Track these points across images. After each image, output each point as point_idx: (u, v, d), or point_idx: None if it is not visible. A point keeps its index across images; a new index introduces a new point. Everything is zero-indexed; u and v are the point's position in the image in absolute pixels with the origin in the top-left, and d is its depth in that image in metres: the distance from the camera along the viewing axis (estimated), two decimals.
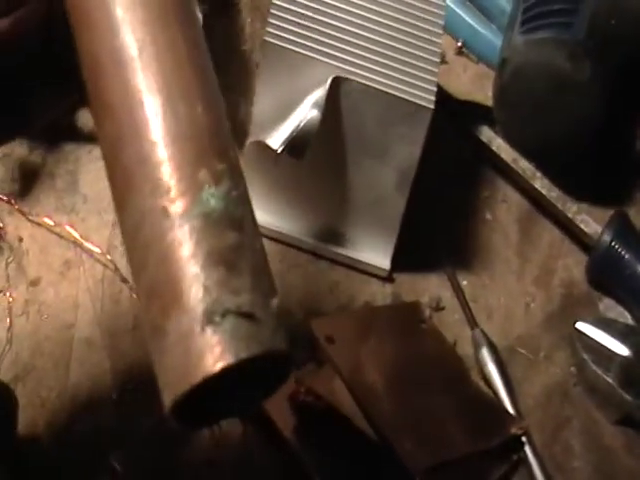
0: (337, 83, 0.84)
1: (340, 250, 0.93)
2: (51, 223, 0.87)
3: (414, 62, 0.86)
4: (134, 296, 0.85)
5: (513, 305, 0.95)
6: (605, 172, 1.02)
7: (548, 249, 1.00)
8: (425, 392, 0.85)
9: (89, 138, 0.92)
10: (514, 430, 0.86)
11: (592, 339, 0.91)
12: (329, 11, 0.86)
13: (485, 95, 1.05)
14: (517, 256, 0.99)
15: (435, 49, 0.88)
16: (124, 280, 0.85)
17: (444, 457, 0.80)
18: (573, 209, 0.98)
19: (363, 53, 0.85)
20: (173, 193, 0.44)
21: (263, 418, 0.78)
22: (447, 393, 0.86)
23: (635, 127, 1.07)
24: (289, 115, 0.85)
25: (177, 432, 0.79)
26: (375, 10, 0.88)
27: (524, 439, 0.86)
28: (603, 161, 1.01)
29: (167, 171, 0.44)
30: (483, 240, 0.99)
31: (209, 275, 0.43)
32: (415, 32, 0.88)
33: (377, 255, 0.93)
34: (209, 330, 0.42)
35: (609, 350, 0.90)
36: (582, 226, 0.98)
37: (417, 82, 0.85)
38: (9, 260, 0.85)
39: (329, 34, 0.85)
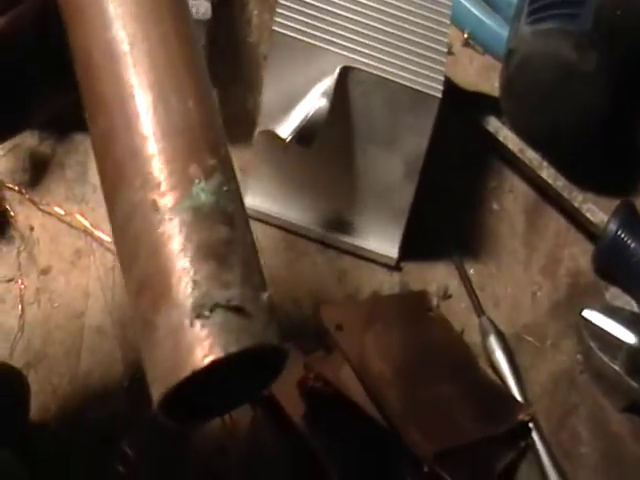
0: (345, 72, 0.84)
1: (348, 239, 0.93)
2: (62, 212, 0.87)
3: (422, 52, 0.87)
4: None
5: (520, 294, 0.96)
6: (611, 162, 1.03)
7: (554, 238, 1.00)
8: (433, 379, 0.86)
9: None
10: (521, 417, 0.86)
11: (599, 327, 0.91)
12: (337, 1, 0.87)
13: (492, 86, 1.06)
14: (524, 245, 0.99)
15: (442, 39, 0.88)
16: None
17: (452, 443, 0.80)
18: (579, 198, 0.99)
19: (371, 43, 0.86)
20: (163, 187, 0.44)
21: (272, 404, 0.78)
22: (455, 380, 0.87)
23: None
24: (297, 104, 0.85)
25: None
26: (383, 0, 0.88)
27: (531, 426, 0.86)
28: (609, 151, 1.02)
29: (158, 165, 0.44)
30: (490, 229, 0.99)
31: (199, 269, 0.43)
32: (422, 22, 0.88)
33: (385, 244, 0.93)
34: (198, 324, 0.42)
35: (616, 338, 0.90)
36: (588, 215, 0.98)
37: (425, 71, 0.86)
38: (20, 249, 0.86)
39: (337, 24, 0.86)
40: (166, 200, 0.43)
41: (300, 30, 0.84)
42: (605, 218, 0.97)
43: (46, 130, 0.92)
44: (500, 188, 1.02)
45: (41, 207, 0.88)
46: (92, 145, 0.47)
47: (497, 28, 1.09)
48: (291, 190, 0.92)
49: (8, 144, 0.90)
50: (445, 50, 0.88)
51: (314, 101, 0.84)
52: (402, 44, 0.87)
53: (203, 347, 0.42)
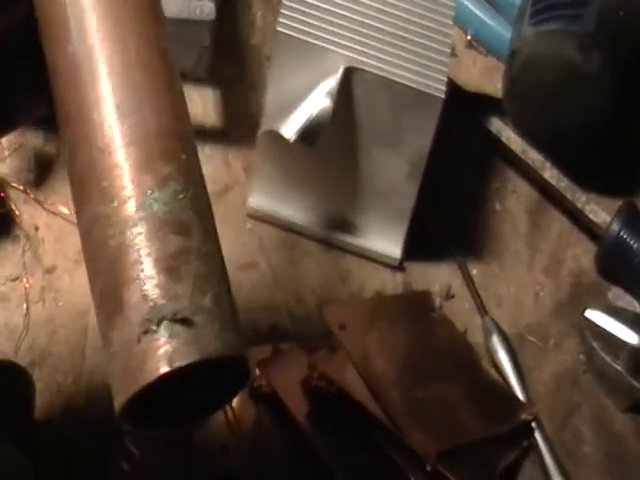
0: (349, 73, 0.84)
1: (352, 239, 0.94)
2: (66, 212, 0.88)
3: (425, 52, 0.87)
4: None
5: (523, 294, 0.96)
6: (614, 162, 1.03)
7: (557, 239, 1.01)
8: (436, 379, 0.86)
9: None
10: (524, 416, 0.86)
11: (601, 327, 0.91)
12: (341, 2, 0.87)
13: (495, 87, 1.06)
14: (527, 246, 0.99)
15: (445, 40, 0.89)
16: None
17: (454, 442, 0.80)
18: (582, 199, 0.99)
19: (374, 43, 0.86)
20: (118, 200, 0.44)
21: (276, 403, 0.79)
22: (458, 380, 0.87)
23: None
24: (301, 105, 0.85)
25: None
26: (386, 1, 0.88)
27: (534, 425, 0.87)
28: (612, 152, 1.02)
29: (113, 178, 0.44)
30: (493, 230, 1.00)
31: (149, 282, 0.43)
32: (426, 23, 0.89)
33: (388, 244, 0.93)
34: (146, 339, 0.42)
35: (618, 338, 0.91)
36: (591, 216, 0.98)
37: (428, 72, 0.86)
38: (25, 248, 0.86)
39: (341, 24, 0.86)
40: (120, 213, 0.44)
41: (304, 31, 0.85)
42: (608, 219, 0.97)
43: (51, 130, 0.93)
44: (503, 189, 1.03)
45: (46, 207, 0.89)
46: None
47: (500, 29, 1.09)
48: (295, 190, 0.92)
49: (13, 144, 0.91)
50: (448, 51, 0.89)
51: (318, 101, 0.85)
52: (405, 45, 0.87)
53: (150, 362, 0.42)
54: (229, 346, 0.44)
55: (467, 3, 1.10)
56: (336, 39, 0.85)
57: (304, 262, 0.93)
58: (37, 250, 0.87)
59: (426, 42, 0.88)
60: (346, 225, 0.94)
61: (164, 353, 0.42)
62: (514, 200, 1.02)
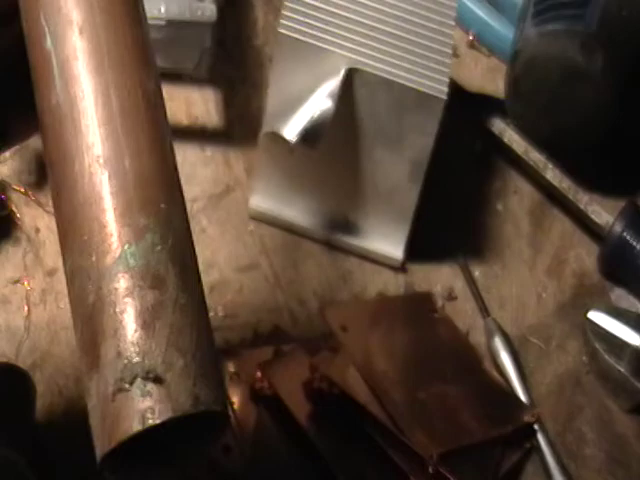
0: (351, 74, 0.84)
1: (353, 240, 0.94)
2: None
3: (427, 53, 0.87)
4: None
5: (525, 295, 0.96)
6: (617, 163, 1.03)
7: (560, 239, 1.00)
8: (438, 380, 0.86)
9: None
10: (527, 418, 0.86)
11: (604, 328, 0.91)
12: (342, 3, 0.87)
13: (497, 88, 1.06)
14: (529, 246, 0.99)
15: (447, 40, 0.88)
16: None
17: (456, 444, 0.80)
18: (584, 200, 0.99)
19: (376, 44, 0.86)
20: (96, 254, 0.44)
21: (278, 404, 0.79)
22: (460, 382, 0.87)
23: None
24: (303, 106, 0.85)
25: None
26: (388, 2, 0.88)
27: (537, 427, 0.86)
28: (615, 152, 1.02)
29: (91, 231, 0.44)
30: (495, 231, 1.00)
31: (123, 338, 0.43)
32: (428, 23, 0.89)
33: (390, 245, 0.93)
34: (120, 397, 0.43)
35: (621, 339, 0.90)
36: (593, 217, 0.98)
37: (430, 73, 0.86)
38: (26, 250, 0.86)
39: (343, 25, 0.86)
40: (98, 268, 0.44)
41: (305, 32, 0.85)
42: (610, 219, 0.97)
43: None
44: (505, 189, 1.02)
45: (47, 209, 0.88)
46: None
47: (502, 29, 1.09)
48: (296, 191, 0.92)
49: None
50: (450, 51, 0.88)
51: (319, 102, 0.84)
52: (407, 45, 0.87)
53: (124, 421, 0.42)
54: (203, 402, 0.44)
55: (469, 3, 1.10)
56: (338, 40, 0.85)
57: (306, 263, 0.92)
58: (38, 252, 0.86)
59: (428, 43, 0.88)
60: (348, 226, 0.94)
61: (136, 412, 0.42)
62: (516, 201, 1.02)
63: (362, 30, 0.86)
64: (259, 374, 0.80)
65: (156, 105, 0.47)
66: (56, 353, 0.82)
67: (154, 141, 0.46)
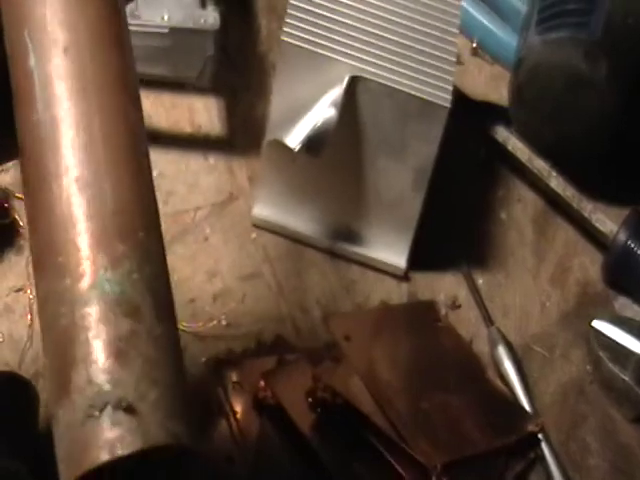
0: (354, 82, 0.84)
1: (357, 249, 0.93)
2: None
3: (430, 61, 0.87)
4: None
5: (529, 303, 0.96)
6: (620, 171, 1.02)
7: (563, 248, 1.00)
8: (441, 390, 0.86)
9: None
10: (531, 427, 0.86)
11: (608, 337, 0.91)
12: (346, 11, 0.87)
13: (500, 95, 1.06)
14: (533, 255, 0.99)
15: (451, 48, 0.88)
16: None
17: (460, 454, 0.80)
18: (588, 208, 0.99)
19: (380, 52, 0.86)
20: (70, 278, 0.43)
21: (281, 414, 0.78)
22: (463, 391, 0.87)
23: None
24: (306, 114, 0.85)
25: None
26: (391, 10, 0.88)
27: (541, 436, 0.86)
28: (618, 160, 1.01)
29: (67, 254, 0.43)
30: (499, 239, 0.99)
31: (95, 365, 0.42)
32: (431, 31, 0.89)
33: (393, 254, 0.93)
34: (89, 424, 0.42)
35: (625, 348, 0.90)
36: (597, 225, 0.98)
37: (433, 81, 0.85)
38: (29, 259, 0.86)
39: (346, 33, 0.86)
40: (72, 291, 0.43)
41: (309, 40, 0.85)
42: (614, 228, 0.97)
43: None
44: (509, 197, 1.02)
45: None
46: None
47: (506, 37, 1.09)
48: (299, 200, 0.92)
49: None
50: (454, 59, 0.88)
51: (323, 111, 0.84)
52: (411, 54, 0.87)
53: (92, 450, 0.42)
54: (173, 435, 0.43)
55: (473, 11, 1.10)
56: (341, 48, 0.85)
57: (309, 272, 0.92)
58: None
59: (431, 51, 0.88)
60: (351, 235, 0.93)
61: (105, 441, 0.41)
62: (520, 209, 1.02)
63: (365, 38, 0.86)
64: (262, 383, 0.79)
65: (137, 131, 0.47)
66: None
67: (134, 169, 0.46)
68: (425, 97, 0.85)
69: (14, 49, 0.46)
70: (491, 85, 1.09)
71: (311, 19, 0.86)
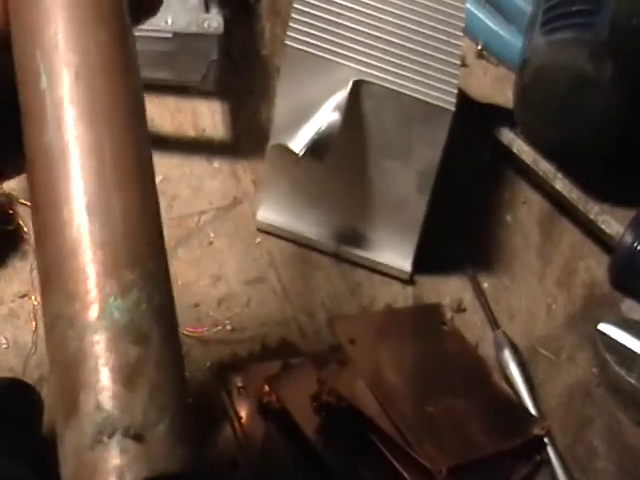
0: (358, 86, 0.84)
1: (361, 252, 0.93)
2: None
3: (434, 64, 0.86)
4: None
5: (535, 306, 0.95)
6: (627, 173, 1.02)
7: (569, 250, 1.00)
8: (447, 393, 0.86)
9: None
10: (536, 431, 0.86)
11: (615, 340, 0.91)
12: (349, 14, 0.87)
13: (506, 98, 1.06)
14: (538, 257, 0.99)
15: (455, 51, 0.88)
16: None
17: (466, 458, 0.80)
18: (595, 210, 0.98)
19: (384, 56, 0.86)
20: (80, 304, 0.43)
21: (285, 418, 0.78)
22: (469, 394, 0.87)
23: None
24: (310, 118, 0.85)
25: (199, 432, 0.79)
26: (395, 13, 0.88)
27: (547, 440, 0.86)
28: (625, 161, 1.01)
29: (77, 280, 0.43)
30: (504, 242, 0.99)
31: (104, 391, 0.42)
32: (435, 34, 0.88)
33: (398, 257, 0.93)
34: (98, 449, 0.42)
35: (632, 351, 0.90)
36: (604, 227, 0.98)
37: (437, 84, 0.85)
38: (33, 265, 0.86)
39: (350, 37, 0.86)
40: (82, 317, 0.43)
41: (312, 44, 0.85)
42: (621, 230, 0.96)
43: None
44: (514, 200, 1.02)
45: None
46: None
47: (511, 39, 1.09)
48: (304, 203, 0.92)
49: None
50: (458, 62, 0.88)
51: (327, 115, 0.84)
52: (415, 56, 0.87)
53: (100, 475, 0.42)
54: (182, 462, 0.43)
55: (477, 13, 1.10)
56: (345, 52, 0.85)
57: (314, 276, 0.92)
58: None
59: (436, 54, 0.88)
60: (356, 238, 0.93)
61: (114, 468, 0.41)
62: (525, 211, 1.02)
63: (369, 41, 0.86)
64: (267, 388, 0.79)
65: (146, 158, 0.47)
66: None
67: (144, 197, 0.46)
68: (429, 100, 0.84)
69: (25, 69, 0.46)
70: (496, 87, 1.09)
71: (315, 23, 0.86)
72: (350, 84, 0.84)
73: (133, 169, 0.46)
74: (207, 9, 0.94)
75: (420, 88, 0.85)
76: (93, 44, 0.46)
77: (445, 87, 0.85)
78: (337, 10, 0.87)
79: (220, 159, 0.96)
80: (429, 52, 0.87)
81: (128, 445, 0.42)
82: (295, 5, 0.86)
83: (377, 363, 0.83)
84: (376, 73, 0.85)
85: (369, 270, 0.93)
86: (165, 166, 0.94)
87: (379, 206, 0.91)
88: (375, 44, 0.86)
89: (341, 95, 0.84)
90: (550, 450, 0.86)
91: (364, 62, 0.85)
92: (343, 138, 0.84)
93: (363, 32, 0.86)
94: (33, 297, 0.84)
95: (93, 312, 0.43)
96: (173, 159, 0.95)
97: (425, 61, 0.87)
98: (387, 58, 0.86)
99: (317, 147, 0.84)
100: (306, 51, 0.84)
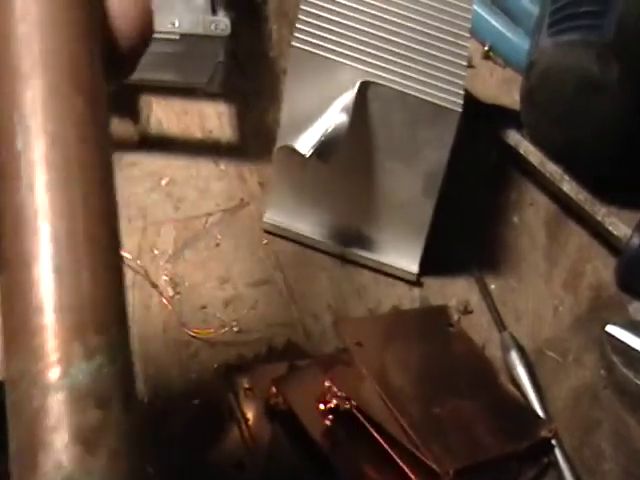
0: (365, 87, 0.84)
1: (368, 254, 0.93)
2: None
3: (441, 65, 0.86)
4: (164, 301, 0.86)
5: (542, 308, 0.95)
6: (633, 174, 1.02)
7: (576, 252, 1.00)
8: (454, 395, 0.85)
9: (116, 145, 0.93)
10: (544, 433, 0.85)
11: (622, 342, 0.90)
12: (356, 16, 0.87)
13: (512, 99, 1.06)
14: (545, 259, 0.99)
15: (462, 52, 0.88)
16: (154, 286, 0.86)
17: (472, 460, 0.79)
18: (602, 212, 0.98)
19: (390, 57, 0.85)
20: (44, 364, 0.43)
21: (292, 420, 0.78)
22: (476, 396, 0.86)
23: None
24: (317, 119, 0.85)
25: (206, 434, 0.80)
26: (402, 14, 0.88)
27: (554, 442, 0.86)
28: (632, 163, 1.01)
29: (43, 340, 0.44)
30: (511, 243, 0.99)
31: (65, 451, 0.42)
32: (442, 35, 0.88)
33: (405, 259, 0.93)
34: None
35: (639, 353, 0.90)
36: (611, 229, 0.97)
37: (444, 85, 0.85)
38: None
39: (356, 38, 0.86)
40: (45, 377, 0.43)
41: (319, 45, 0.85)
42: (628, 231, 0.96)
43: None
44: (521, 201, 1.02)
45: None
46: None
47: (518, 40, 1.09)
48: (311, 205, 0.92)
49: None
50: (465, 63, 0.88)
51: (333, 116, 0.84)
52: (421, 58, 0.87)
53: None
54: None
55: (484, 14, 1.10)
56: (352, 53, 0.85)
57: (320, 277, 0.92)
58: None
59: (442, 55, 0.88)
60: (362, 240, 0.93)
61: None
62: (532, 213, 1.01)
63: (376, 43, 0.86)
64: (273, 389, 0.79)
65: (114, 226, 0.47)
66: None
67: (111, 264, 0.47)
68: (436, 102, 0.84)
69: (1, 127, 0.47)
70: (503, 88, 1.09)
71: (322, 24, 0.86)
72: (357, 85, 0.84)
73: (104, 237, 0.46)
74: (214, 11, 0.94)
75: (427, 89, 0.85)
76: (72, 113, 0.46)
77: (452, 88, 0.85)
78: (344, 11, 0.87)
79: (227, 161, 0.96)
80: (436, 53, 0.87)
81: None
82: (302, 7, 0.86)
83: (383, 365, 0.83)
84: (383, 74, 0.84)
85: (375, 272, 0.93)
86: (172, 168, 0.94)
87: (386, 208, 0.91)
88: (382, 45, 0.86)
89: (348, 97, 0.84)
90: (557, 452, 0.85)
91: (371, 63, 0.85)
92: (350, 140, 0.84)
93: (370, 33, 0.86)
94: None
95: (56, 373, 0.43)
96: (180, 161, 0.95)
97: (432, 62, 0.87)
98: (394, 59, 0.86)
99: (324, 149, 0.84)
100: (313, 52, 0.84)
